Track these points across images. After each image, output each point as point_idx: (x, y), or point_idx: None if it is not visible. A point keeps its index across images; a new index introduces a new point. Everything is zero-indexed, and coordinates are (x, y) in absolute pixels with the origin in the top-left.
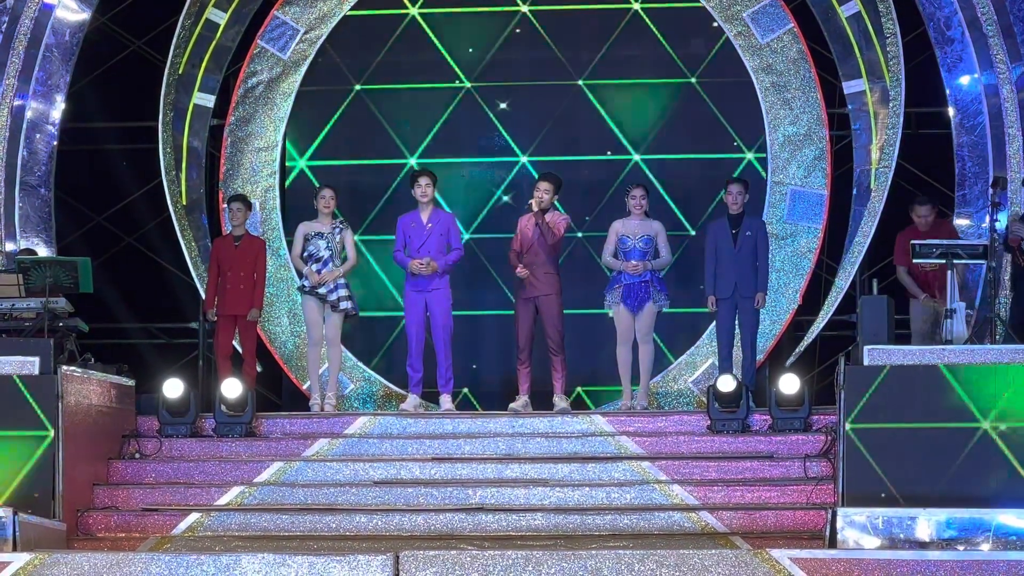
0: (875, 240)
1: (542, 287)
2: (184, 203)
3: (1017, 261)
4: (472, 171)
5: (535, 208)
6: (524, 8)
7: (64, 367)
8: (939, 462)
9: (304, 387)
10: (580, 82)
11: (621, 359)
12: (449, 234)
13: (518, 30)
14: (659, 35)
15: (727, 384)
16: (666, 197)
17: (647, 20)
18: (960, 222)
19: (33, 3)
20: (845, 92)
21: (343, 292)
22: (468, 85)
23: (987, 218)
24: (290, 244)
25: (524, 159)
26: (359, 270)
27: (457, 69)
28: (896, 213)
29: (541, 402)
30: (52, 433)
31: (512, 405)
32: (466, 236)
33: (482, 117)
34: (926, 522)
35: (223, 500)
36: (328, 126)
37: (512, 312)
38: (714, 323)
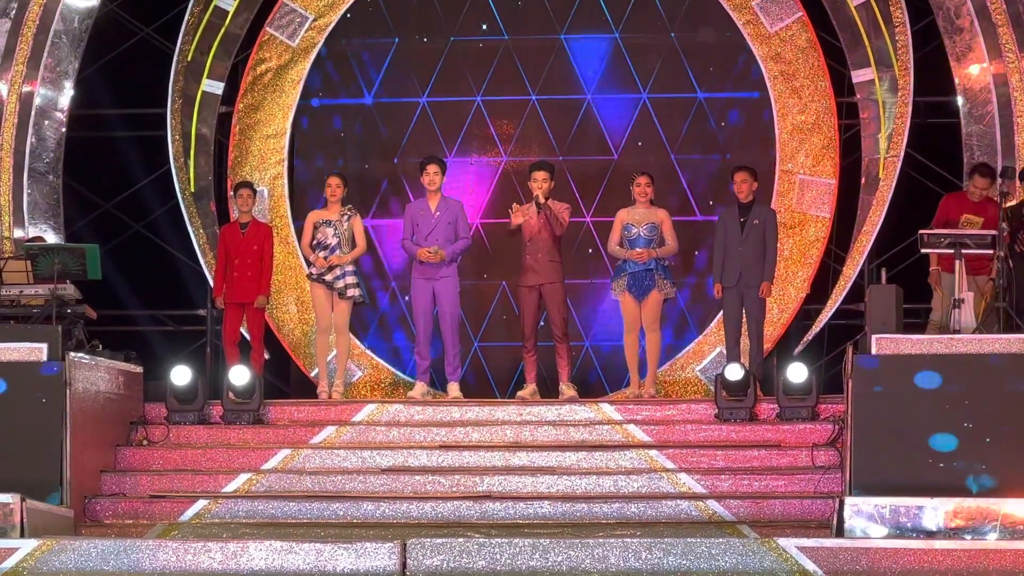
0: (884, 229)
1: (546, 275)
2: (192, 190)
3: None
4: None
5: (541, 200)
6: None
7: (72, 354)
8: (946, 451)
9: (312, 374)
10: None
11: (628, 347)
12: (457, 222)
13: (520, 2)
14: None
15: (734, 372)
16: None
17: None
18: None
19: None
20: (854, 81)
21: (351, 280)
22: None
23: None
24: (299, 232)
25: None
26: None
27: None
28: (904, 202)
29: (549, 389)
30: (60, 420)
31: (520, 393)
32: (476, 221)
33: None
34: (933, 512)
35: (230, 487)
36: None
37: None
38: (722, 311)
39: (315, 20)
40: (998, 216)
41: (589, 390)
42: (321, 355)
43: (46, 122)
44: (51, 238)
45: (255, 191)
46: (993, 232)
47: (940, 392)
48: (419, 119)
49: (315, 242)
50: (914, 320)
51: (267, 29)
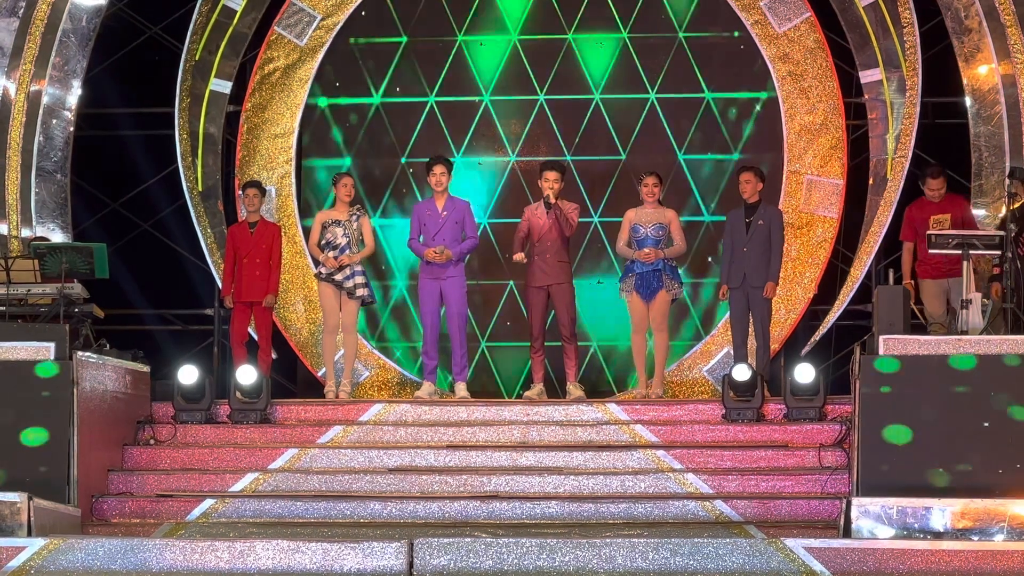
0: (891, 230)
1: (555, 275)
2: (200, 189)
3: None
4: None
5: (552, 200)
6: None
7: (79, 353)
8: (954, 452)
9: (319, 374)
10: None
11: (635, 347)
12: (464, 222)
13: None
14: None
15: (742, 373)
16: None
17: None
18: (976, 212)
19: None
20: (862, 81)
21: (359, 279)
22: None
23: (1003, 208)
24: (306, 231)
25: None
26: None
27: (473, 67)
28: (912, 202)
29: (556, 389)
30: (67, 419)
31: (527, 393)
32: (484, 221)
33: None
34: (940, 512)
35: (237, 486)
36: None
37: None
38: (729, 312)
39: (323, 19)
40: (963, 210)
41: (596, 390)
42: (328, 355)
43: (54, 121)
44: (59, 237)
45: (263, 190)
46: (1001, 233)
47: (945, 393)
48: (427, 118)
49: (324, 242)
50: (921, 321)
51: (275, 28)
